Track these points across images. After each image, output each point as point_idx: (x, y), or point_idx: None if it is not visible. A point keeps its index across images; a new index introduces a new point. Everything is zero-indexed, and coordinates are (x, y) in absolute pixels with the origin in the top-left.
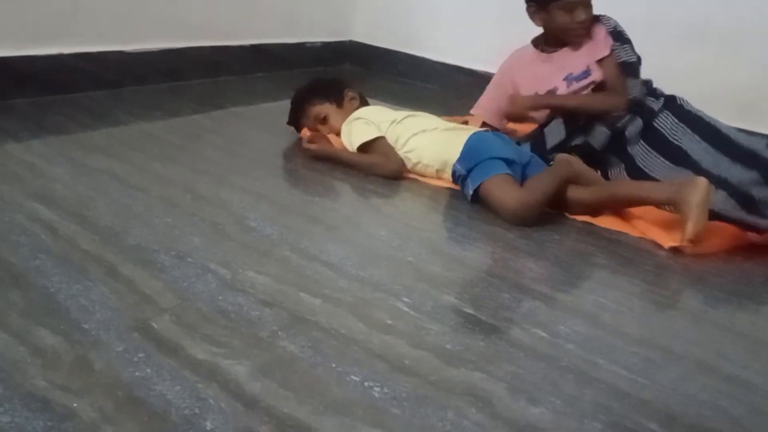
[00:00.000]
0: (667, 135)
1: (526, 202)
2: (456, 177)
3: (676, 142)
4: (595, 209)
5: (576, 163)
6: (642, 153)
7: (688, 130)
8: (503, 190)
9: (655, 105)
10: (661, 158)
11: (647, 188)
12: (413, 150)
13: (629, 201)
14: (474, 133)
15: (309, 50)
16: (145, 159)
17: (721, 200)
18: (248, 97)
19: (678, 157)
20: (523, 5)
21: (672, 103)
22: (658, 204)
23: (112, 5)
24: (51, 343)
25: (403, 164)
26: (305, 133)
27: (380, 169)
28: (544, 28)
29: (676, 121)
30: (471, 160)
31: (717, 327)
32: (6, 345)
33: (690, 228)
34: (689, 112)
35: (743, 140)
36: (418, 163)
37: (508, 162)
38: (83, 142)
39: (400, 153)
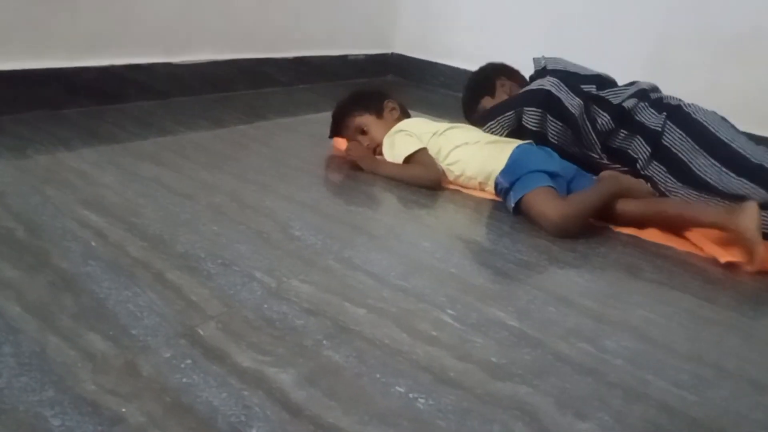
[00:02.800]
0: (677, 153)
1: (566, 214)
2: (498, 189)
3: (686, 161)
4: (642, 223)
5: (624, 179)
6: (659, 174)
7: (695, 145)
8: (544, 203)
9: (657, 120)
10: (674, 179)
11: (698, 210)
12: (456, 162)
13: (678, 219)
14: (518, 146)
15: (351, 62)
16: (192, 167)
17: None
18: (292, 108)
19: (689, 177)
20: (566, 18)
21: (677, 114)
22: (708, 226)
23: (160, 18)
24: (101, 347)
25: (443, 175)
26: (342, 144)
27: (420, 179)
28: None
29: (683, 135)
30: (514, 173)
31: None
32: (58, 348)
33: (757, 256)
34: (696, 122)
35: (754, 154)
36: (460, 175)
37: (552, 175)
38: (132, 150)
39: (443, 165)
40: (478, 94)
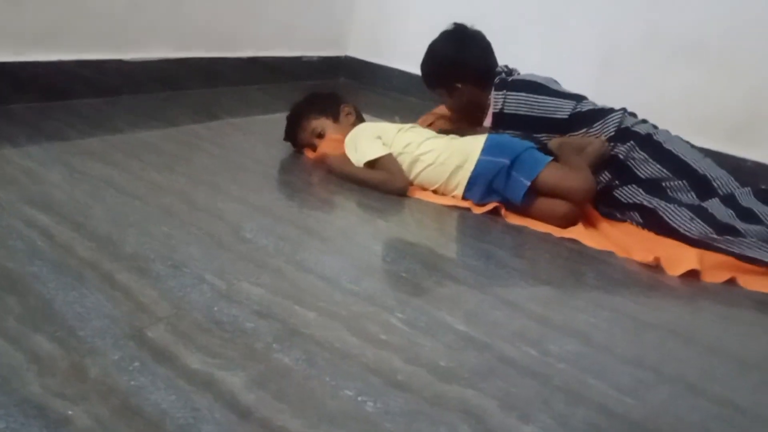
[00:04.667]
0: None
1: (589, 178)
2: (479, 174)
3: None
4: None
5: (577, 139)
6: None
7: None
8: (565, 175)
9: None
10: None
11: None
12: (430, 151)
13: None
14: (489, 134)
15: (305, 64)
16: (142, 167)
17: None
18: (245, 108)
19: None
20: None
21: (647, 142)
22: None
23: (110, 14)
24: (47, 349)
25: (408, 182)
26: (312, 151)
27: (386, 185)
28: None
29: (660, 167)
30: (506, 151)
31: (706, 348)
32: (3, 350)
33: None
34: (667, 151)
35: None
36: (432, 163)
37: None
38: (81, 148)
39: (414, 154)
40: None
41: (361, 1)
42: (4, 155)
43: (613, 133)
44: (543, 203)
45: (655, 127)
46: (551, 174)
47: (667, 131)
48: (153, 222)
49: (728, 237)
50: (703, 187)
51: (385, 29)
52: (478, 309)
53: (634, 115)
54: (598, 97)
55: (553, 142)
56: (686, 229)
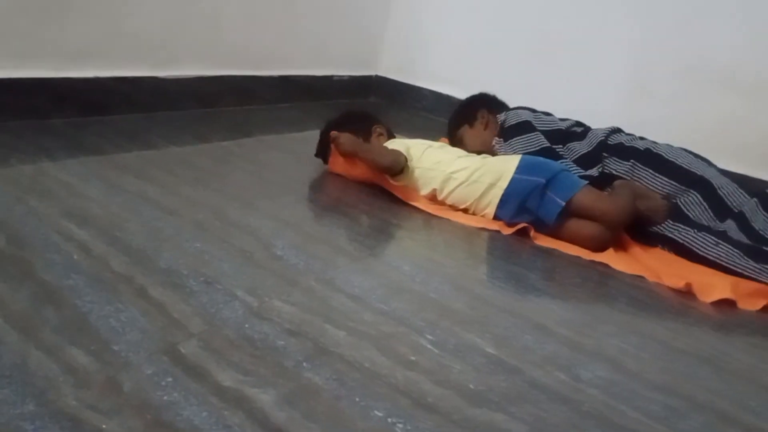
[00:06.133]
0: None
1: (625, 207)
2: (512, 193)
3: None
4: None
5: (638, 186)
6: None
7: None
8: (599, 200)
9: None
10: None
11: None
12: (463, 168)
13: None
14: (523, 155)
15: (336, 83)
16: (176, 182)
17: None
18: (276, 126)
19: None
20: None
21: (648, 157)
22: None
23: (148, 32)
24: (82, 362)
25: (401, 159)
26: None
27: (378, 159)
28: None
29: (667, 180)
30: (542, 171)
31: (740, 377)
32: (40, 362)
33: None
34: (669, 162)
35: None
36: (464, 181)
37: None
38: (117, 163)
39: (446, 172)
40: (459, 122)
41: (392, 21)
42: (42, 169)
43: (598, 141)
44: (575, 224)
45: (654, 142)
46: (586, 197)
47: (668, 144)
48: (186, 237)
49: (758, 266)
50: (714, 200)
51: (416, 49)
52: (508, 332)
53: (630, 134)
54: (631, 125)
55: (620, 182)
56: (715, 255)
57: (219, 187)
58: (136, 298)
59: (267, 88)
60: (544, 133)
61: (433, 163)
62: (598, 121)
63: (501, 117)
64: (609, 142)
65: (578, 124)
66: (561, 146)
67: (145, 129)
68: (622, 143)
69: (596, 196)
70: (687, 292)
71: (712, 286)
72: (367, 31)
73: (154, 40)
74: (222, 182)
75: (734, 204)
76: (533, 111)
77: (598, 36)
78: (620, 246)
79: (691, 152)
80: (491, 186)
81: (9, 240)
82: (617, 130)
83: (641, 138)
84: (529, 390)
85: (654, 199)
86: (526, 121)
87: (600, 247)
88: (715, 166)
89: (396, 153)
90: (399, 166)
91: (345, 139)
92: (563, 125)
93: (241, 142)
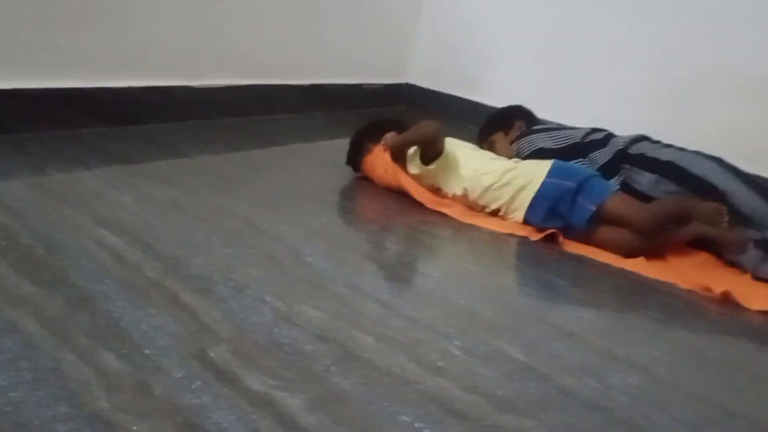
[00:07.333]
0: None
1: (656, 214)
2: (548, 198)
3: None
4: None
5: (693, 201)
6: None
7: None
8: (631, 205)
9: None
10: None
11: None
12: (496, 170)
13: None
14: (555, 160)
15: (366, 91)
16: (207, 190)
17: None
18: (306, 135)
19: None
20: (580, 55)
21: (670, 171)
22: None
23: (179, 43)
24: (114, 366)
25: (443, 131)
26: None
27: (424, 129)
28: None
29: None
30: (574, 175)
31: None
32: (73, 365)
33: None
34: (695, 177)
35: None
36: (495, 183)
37: None
38: (149, 172)
39: (478, 172)
40: (495, 128)
41: (421, 29)
42: (76, 177)
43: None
44: (606, 231)
45: (681, 149)
46: (617, 202)
47: (696, 152)
48: (216, 244)
49: None
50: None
51: (445, 57)
52: (538, 339)
53: (656, 142)
54: (658, 132)
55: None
56: (764, 273)
57: (249, 194)
58: (167, 304)
59: (296, 97)
60: (560, 151)
61: (466, 161)
62: (620, 129)
63: (513, 148)
64: (630, 152)
65: (595, 130)
66: (582, 159)
67: (176, 138)
68: (643, 154)
69: (627, 202)
70: (720, 300)
71: (757, 295)
72: (396, 39)
73: (184, 50)
74: (252, 190)
75: (757, 218)
76: (544, 130)
77: (632, 50)
78: (653, 252)
79: (718, 159)
80: (522, 188)
81: (45, 247)
82: (640, 138)
83: (667, 146)
84: (559, 397)
85: (706, 207)
86: (540, 148)
87: (631, 254)
88: (743, 173)
89: (438, 124)
90: (442, 135)
91: (390, 136)
92: (578, 135)
93: (270, 151)
